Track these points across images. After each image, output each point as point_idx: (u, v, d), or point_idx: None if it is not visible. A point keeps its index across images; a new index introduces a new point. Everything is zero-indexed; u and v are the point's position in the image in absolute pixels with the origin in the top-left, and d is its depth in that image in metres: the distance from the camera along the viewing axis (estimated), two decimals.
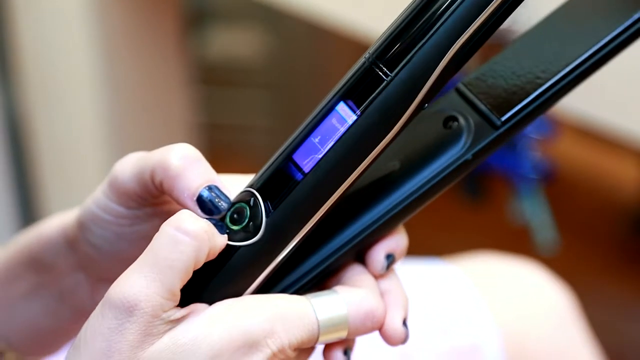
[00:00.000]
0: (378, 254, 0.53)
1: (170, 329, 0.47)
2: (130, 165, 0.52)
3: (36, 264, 0.58)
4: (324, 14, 1.13)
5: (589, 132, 1.70)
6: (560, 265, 1.04)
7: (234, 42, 1.98)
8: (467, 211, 1.46)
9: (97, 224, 0.54)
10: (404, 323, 0.52)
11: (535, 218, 1.11)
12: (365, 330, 0.51)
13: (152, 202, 0.54)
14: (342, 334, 0.50)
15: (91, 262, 0.57)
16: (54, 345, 0.62)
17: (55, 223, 0.57)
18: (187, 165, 0.50)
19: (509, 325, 0.82)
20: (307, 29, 1.85)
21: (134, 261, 0.49)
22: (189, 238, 0.47)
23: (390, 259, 0.53)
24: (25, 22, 1.48)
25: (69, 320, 0.60)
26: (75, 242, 0.56)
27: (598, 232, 1.71)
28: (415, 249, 0.88)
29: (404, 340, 0.52)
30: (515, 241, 1.16)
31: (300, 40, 1.92)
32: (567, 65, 0.52)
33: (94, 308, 0.58)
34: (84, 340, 0.47)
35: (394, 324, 0.52)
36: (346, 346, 0.52)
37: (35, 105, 1.53)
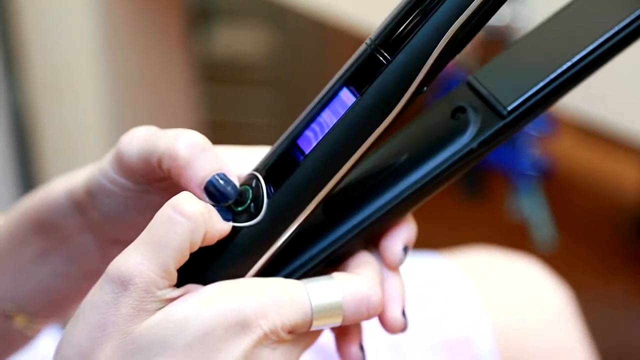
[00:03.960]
0: (396, 246, 0.54)
1: (164, 306, 0.48)
2: (137, 145, 0.53)
3: (43, 227, 0.59)
4: (328, 12, 1.13)
5: (591, 132, 1.70)
6: (559, 264, 1.04)
7: (238, 40, 1.98)
8: (465, 207, 1.47)
9: (105, 194, 0.55)
10: (403, 313, 0.53)
11: (534, 215, 1.11)
12: (361, 316, 0.51)
13: (159, 178, 0.54)
14: (337, 320, 0.51)
15: (100, 226, 0.58)
16: (65, 306, 0.63)
17: (61, 186, 0.58)
18: (195, 155, 0.51)
19: (502, 319, 0.83)
20: (312, 26, 1.86)
21: (143, 226, 0.50)
22: (184, 219, 0.48)
23: (407, 250, 0.54)
24: (30, 17, 1.49)
25: (80, 281, 0.61)
26: (83, 206, 0.57)
27: (598, 233, 1.71)
28: (413, 245, 0.88)
29: (403, 329, 0.53)
30: (513, 238, 1.16)
31: (305, 38, 1.92)
32: (573, 57, 0.52)
33: (104, 269, 0.59)
34: (82, 313, 0.49)
35: (394, 314, 0.53)
36: (359, 340, 0.54)
37: (39, 102, 1.54)
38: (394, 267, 0.54)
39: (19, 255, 0.61)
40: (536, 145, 1.09)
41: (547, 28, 0.57)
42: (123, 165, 0.54)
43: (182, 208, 0.48)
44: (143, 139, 0.53)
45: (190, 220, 0.48)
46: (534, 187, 1.10)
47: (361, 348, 0.54)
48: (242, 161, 0.54)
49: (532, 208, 1.10)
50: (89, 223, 0.58)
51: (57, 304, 0.62)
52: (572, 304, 0.87)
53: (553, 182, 1.16)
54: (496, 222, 1.40)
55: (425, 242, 1.00)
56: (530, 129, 1.07)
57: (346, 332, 0.54)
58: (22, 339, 0.64)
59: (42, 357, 0.78)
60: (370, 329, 0.77)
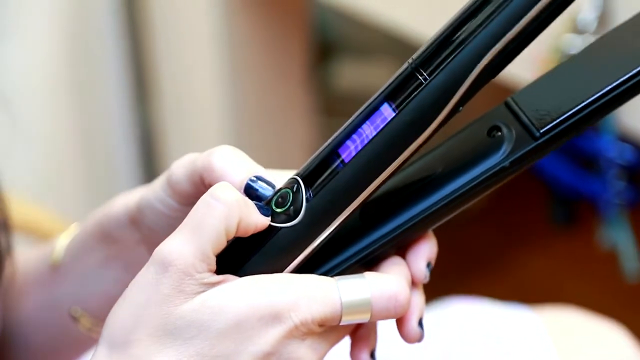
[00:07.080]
0: (420, 264, 0.57)
1: (202, 291, 0.52)
2: (183, 167, 0.58)
3: (106, 238, 0.65)
4: None
5: None
6: None
7: (364, 75, 2.03)
8: (555, 235, 1.46)
9: (153, 213, 0.61)
10: (420, 324, 0.56)
11: (621, 244, 1.12)
12: (389, 313, 0.55)
13: None
14: (365, 316, 0.54)
15: (151, 241, 0.63)
16: None
17: (121, 202, 0.64)
18: (229, 164, 0.56)
19: None
20: None
21: None
22: (220, 204, 0.52)
23: (430, 267, 0.57)
24: (161, 46, 1.58)
25: None
26: (136, 221, 0.63)
27: None
28: (508, 273, 0.91)
29: (419, 339, 0.57)
30: (602, 266, 1.16)
31: None
32: (609, 83, 0.54)
33: None
34: (128, 293, 0.53)
35: (411, 324, 0.56)
36: (372, 348, 0.57)
37: (167, 129, 1.62)
38: (417, 283, 0.57)
39: (86, 260, 0.67)
40: (624, 175, 1.09)
41: (585, 56, 0.59)
42: (172, 187, 0.59)
43: (218, 194, 0.52)
44: (188, 161, 0.58)
45: (225, 205, 0.52)
46: (620, 217, 1.10)
47: (372, 356, 0.57)
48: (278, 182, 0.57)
49: (619, 237, 1.11)
50: (143, 237, 0.63)
51: None
52: None
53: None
54: (586, 250, 1.39)
55: (516, 268, 1.02)
56: (618, 158, 1.08)
57: (361, 338, 0.57)
58: (88, 341, 0.70)
59: None
60: None
